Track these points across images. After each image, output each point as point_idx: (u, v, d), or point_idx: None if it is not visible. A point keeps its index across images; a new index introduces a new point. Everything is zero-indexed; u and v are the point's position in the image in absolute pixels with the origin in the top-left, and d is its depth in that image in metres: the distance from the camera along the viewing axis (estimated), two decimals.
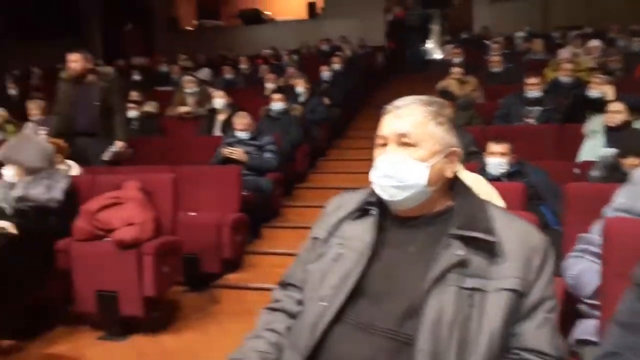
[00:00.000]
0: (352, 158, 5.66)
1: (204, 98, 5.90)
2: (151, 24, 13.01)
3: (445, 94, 4.26)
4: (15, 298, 2.53)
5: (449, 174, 1.09)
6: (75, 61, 4.10)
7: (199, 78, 6.72)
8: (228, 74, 7.99)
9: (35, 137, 3.26)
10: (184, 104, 5.94)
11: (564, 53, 6.58)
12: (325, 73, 6.79)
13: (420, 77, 7.98)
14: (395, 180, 1.05)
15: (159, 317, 2.84)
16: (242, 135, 4.36)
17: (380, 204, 1.11)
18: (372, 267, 1.05)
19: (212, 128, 5.33)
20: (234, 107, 5.24)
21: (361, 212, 1.13)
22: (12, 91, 7.42)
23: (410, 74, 8.90)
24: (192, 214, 3.52)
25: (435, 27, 11.36)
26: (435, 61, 10.07)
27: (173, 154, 4.73)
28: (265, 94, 6.28)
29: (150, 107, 6.14)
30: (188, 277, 3.29)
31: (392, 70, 9.52)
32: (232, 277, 3.44)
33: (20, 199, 2.75)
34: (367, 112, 7.31)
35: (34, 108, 5.08)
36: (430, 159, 1.05)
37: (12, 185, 2.81)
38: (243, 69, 8.56)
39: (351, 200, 1.17)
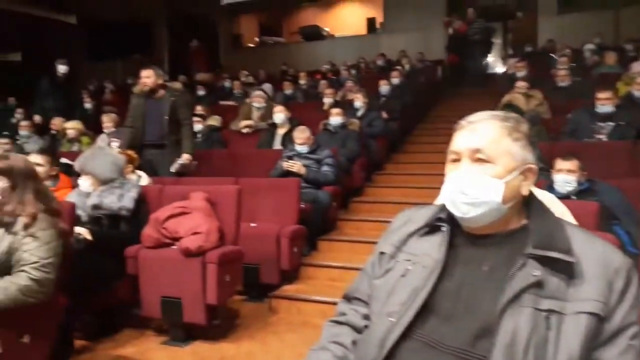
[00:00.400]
0: (409, 172, 5.61)
1: (268, 113, 6.04)
2: (215, 41, 13.55)
3: (511, 108, 4.15)
4: (88, 301, 2.67)
5: (524, 191, 1.06)
6: (147, 77, 4.32)
7: (267, 93, 6.87)
8: (288, 89, 8.15)
9: (108, 149, 3.44)
10: (248, 117, 6.09)
11: (638, 66, 6.23)
12: (384, 87, 6.79)
13: (482, 92, 7.81)
14: (469, 197, 1.03)
15: (220, 325, 2.90)
16: (302, 149, 4.42)
17: (451, 220, 1.09)
18: (442, 284, 1.03)
19: (272, 141, 5.45)
20: (293, 121, 5.34)
21: (430, 228, 1.12)
22: (88, 105, 7.90)
23: (471, 89, 8.72)
24: (252, 224, 3.60)
25: (497, 41, 11.10)
26: (497, 75, 9.83)
27: (234, 166, 4.86)
28: (324, 108, 6.36)
29: (213, 120, 6.36)
30: (247, 287, 3.36)
31: (452, 84, 9.39)
32: (289, 289, 3.46)
33: (95, 207, 2.91)
34: (426, 127, 7.24)
35: (108, 121, 5.40)
36: (506, 175, 1.03)
37: (87, 194, 2.98)
38: (302, 84, 8.71)
39: (419, 216, 1.16)
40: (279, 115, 5.36)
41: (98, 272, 2.73)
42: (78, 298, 2.51)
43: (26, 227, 2.03)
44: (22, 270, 1.96)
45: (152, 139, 4.29)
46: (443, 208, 1.11)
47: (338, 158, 4.59)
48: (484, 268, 1.02)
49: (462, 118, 1.11)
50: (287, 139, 5.13)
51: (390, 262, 1.13)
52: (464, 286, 1.01)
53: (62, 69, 6.70)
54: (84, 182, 3.01)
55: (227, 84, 9.25)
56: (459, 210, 1.05)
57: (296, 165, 4.23)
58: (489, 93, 6.87)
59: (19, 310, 1.93)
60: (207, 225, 2.81)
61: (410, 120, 7.08)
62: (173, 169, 4.18)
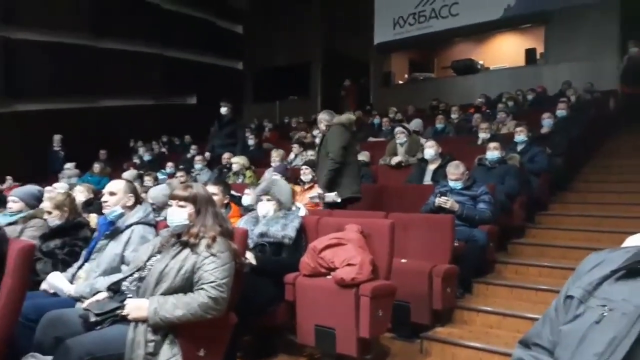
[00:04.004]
0: (578, 214, 5.07)
1: (413, 147, 6.02)
2: (367, 80, 14.01)
3: None
4: (250, 322, 2.84)
5: None
6: (321, 121, 4.69)
7: (408, 128, 6.91)
8: (439, 124, 8.03)
9: (283, 180, 3.73)
10: (395, 153, 6.15)
11: None
12: (547, 120, 6.30)
13: None
14: None
15: (371, 359, 2.87)
16: (455, 184, 4.27)
17: None
18: None
19: (423, 177, 5.37)
20: (445, 156, 5.21)
21: (629, 271, 0.99)
22: (250, 141, 8.68)
23: None
24: (403, 260, 3.53)
25: None
26: None
27: (385, 201, 4.88)
28: (478, 143, 6.11)
29: (363, 156, 6.52)
30: (396, 325, 3.28)
31: (627, 117, 8.36)
32: (442, 331, 3.31)
33: (261, 235, 3.13)
34: (597, 164, 6.51)
35: (276, 155, 5.86)
36: None
37: (255, 222, 3.23)
38: (454, 118, 8.51)
39: (614, 258, 1.04)
40: (429, 151, 5.26)
41: (261, 296, 2.90)
42: (242, 318, 2.69)
43: (207, 247, 2.24)
44: (202, 289, 2.15)
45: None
46: None
47: (495, 195, 4.34)
48: None
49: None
50: (439, 174, 5.01)
51: (580, 307, 1.02)
52: None
53: (224, 110, 7.47)
54: (264, 206, 3.26)
55: (376, 120, 9.43)
56: None
57: (449, 202, 4.09)
58: None
59: (197, 326, 2.11)
60: (360, 257, 2.84)
61: (578, 156, 6.45)
62: (314, 200, 4.38)
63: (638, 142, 6.27)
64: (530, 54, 11.96)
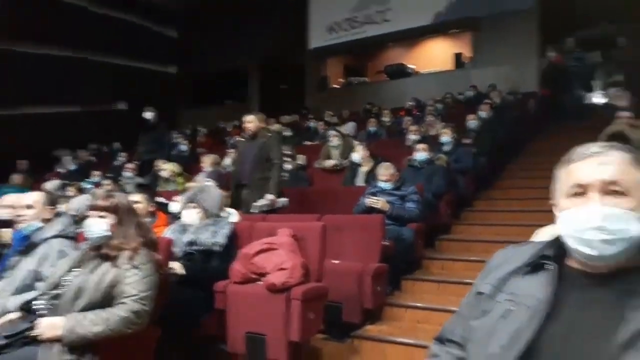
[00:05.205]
0: (502, 209, 5.33)
1: (347, 150, 6.13)
2: (303, 84, 14.09)
3: (620, 138, 3.84)
4: (178, 334, 2.77)
5: None
6: (249, 122, 4.59)
7: (341, 132, 7.03)
8: (371, 127, 8.22)
9: (213, 186, 3.65)
10: (329, 156, 6.24)
11: None
12: (472, 122, 6.60)
13: (580, 125, 7.33)
14: (607, 233, 0.94)
15: None
16: (386, 185, 4.38)
17: (557, 258, 1.02)
18: (547, 327, 0.95)
19: (355, 178, 5.48)
20: (376, 158, 5.34)
21: (533, 266, 1.05)
22: (183, 147, 8.48)
23: (568, 122, 8.23)
24: (335, 261, 3.58)
25: (597, 71, 10.43)
26: (596, 107, 9.19)
27: (319, 203, 4.93)
28: (407, 144, 6.31)
29: (300, 160, 6.56)
30: (328, 326, 3.32)
31: (546, 118, 8.91)
32: (372, 329, 3.37)
33: (190, 243, 3.06)
34: (518, 162, 6.89)
35: (207, 161, 5.75)
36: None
37: (183, 230, 3.15)
38: (386, 121, 8.73)
39: (520, 253, 1.09)
40: (355, 155, 5.46)
41: (189, 306, 2.84)
42: (169, 331, 2.62)
43: (129, 259, 2.17)
44: (123, 303, 2.08)
45: (245, 179, 4.50)
46: (548, 245, 1.05)
47: (423, 194, 4.49)
48: (596, 310, 0.93)
49: (559, 152, 1.05)
50: (371, 175, 5.13)
51: (489, 303, 1.07)
52: (573, 330, 0.93)
53: (148, 115, 7.27)
54: (191, 214, 3.18)
55: (312, 124, 9.51)
56: (594, 249, 0.95)
57: (379, 202, 4.19)
58: (587, 126, 6.43)
59: (118, 341, 2.04)
60: (292, 261, 2.84)
61: (502, 155, 6.80)
62: (255, 209, 4.32)
63: (556, 140, 6.67)
64: (458, 58, 12.47)
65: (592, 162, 0.99)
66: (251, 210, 4.32)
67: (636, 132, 4.97)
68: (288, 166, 5.83)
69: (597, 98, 9.86)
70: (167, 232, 3.19)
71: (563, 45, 9.36)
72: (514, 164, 6.86)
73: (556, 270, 1.00)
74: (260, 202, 4.33)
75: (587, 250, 0.96)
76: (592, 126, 5.69)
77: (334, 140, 6.33)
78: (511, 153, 7.12)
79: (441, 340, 1.17)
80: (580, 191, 0.99)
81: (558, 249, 1.04)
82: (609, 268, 0.96)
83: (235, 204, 4.31)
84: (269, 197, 4.37)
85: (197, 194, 3.23)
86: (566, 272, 1.00)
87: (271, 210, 4.36)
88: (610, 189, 0.96)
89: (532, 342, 0.94)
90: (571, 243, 0.99)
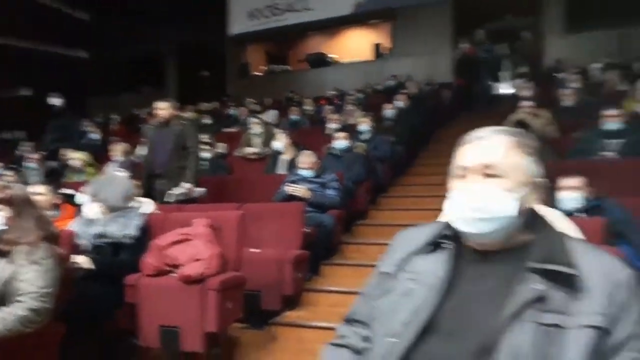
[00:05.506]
0: (414, 195, 5.54)
1: (268, 138, 6.09)
2: (223, 71, 13.77)
3: (521, 126, 4.13)
4: (87, 330, 2.63)
5: (532, 205, 1.04)
6: (162, 109, 4.39)
7: (263, 120, 6.97)
8: (293, 115, 8.22)
9: (120, 177, 3.45)
10: (250, 144, 6.16)
11: None
12: (388, 111, 6.79)
13: (490, 113, 7.78)
14: (483, 212, 1.00)
15: (219, 353, 2.84)
16: (306, 173, 4.41)
17: (455, 237, 1.07)
18: (445, 303, 1.00)
19: (276, 167, 5.46)
20: (298, 146, 5.35)
21: (433, 246, 1.10)
22: (95, 136, 8.00)
23: (478, 111, 8.70)
24: (256, 250, 3.56)
25: (505, 62, 11.12)
26: (504, 96, 9.81)
27: (240, 192, 4.86)
28: (327, 133, 6.38)
29: (220, 148, 6.42)
30: (248, 314, 3.29)
31: (459, 107, 9.37)
32: (291, 315, 3.39)
33: (98, 236, 2.90)
34: (433, 149, 7.19)
35: (116, 150, 5.45)
36: (518, 190, 1.01)
37: (90, 223, 2.98)
38: (307, 110, 8.77)
39: (421, 234, 1.14)
40: (276, 143, 5.45)
41: (98, 301, 2.70)
42: (77, 327, 2.48)
43: (27, 255, 2.03)
44: (20, 300, 1.95)
45: (160, 169, 4.33)
46: (446, 225, 1.09)
47: (343, 182, 4.57)
48: (487, 285, 1.00)
49: None
50: (292, 163, 5.13)
51: (391, 282, 1.10)
52: (467, 304, 0.99)
53: (54, 101, 6.80)
54: (92, 209, 3.01)
55: (232, 111, 9.33)
56: (473, 227, 1.02)
57: (300, 190, 4.21)
58: (496, 114, 6.84)
59: (16, 341, 1.91)
60: (208, 251, 2.78)
61: (417, 143, 7.05)
62: (171, 198, 4.18)
63: (465, 128, 6.98)
64: (377, 49, 12.76)
65: (475, 147, 1.06)
66: (166, 200, 4.17)
67: (537, 120, 5.39)
68: (207, 154, 5.68)
69: (505, 88, 10.54)
70: (73, 225, 2.99)
71: (474, 37, 9.86)
72: (426, 151, 7.14)
73: (453, 248, 1.06)
74: (177, 191, 4.19)
75: (467, 229, 1.03)
76: (500, 114, 6.09)
77: (256, 128, 6.26)
78: (426, 141, 7.41)
79: (349, 321, 1.20)
80: (463, 173, 1.05)
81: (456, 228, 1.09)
82: (495, 245, 1.03)
83: (149, 194, 4.13)
84: (186, 186, 4.24)
85: (98, 187, 3.04)
86: (463, 250, 1.06)
87: (188, 200, 4.24)
88: (488, 172, 1.02)
89: (431, 318, 0.99)
90: (455, 222, 1.05)
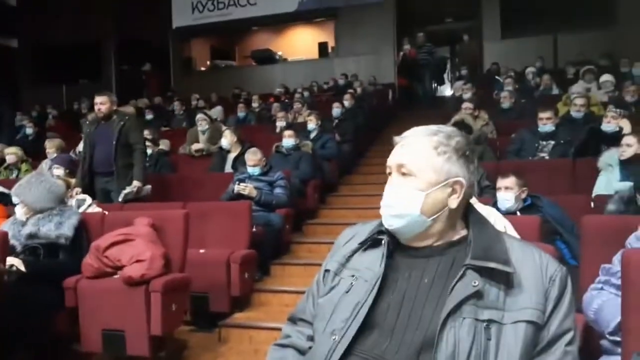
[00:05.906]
0: (362, 193, 5.63)
1: (215, 135, 5.97)
2: (167, 65, 13.36)
3: (462, 126, 4.28)
4: (23, 336, 2.49)
5: (452, 204, 1.06)
6: (102, 103, 4.20)
7: (210, 116, 6.83)
8: (241, 112, 8.11)
9: (46, 176, 3.25)
10: (196, 141, 6.02)
11: (576, 88, 6.58)
12: (336, 110, 6.85)
13: (431, 114, 8.00)
14: (393, 209, 1.06)
15: (166, 357, 2.76)
16: (253, 171, 4.37)
17: (392, 234, 1.10)
18: (384, 298, 1.02)
19: (224, 165, 5.37)
20: (245, 144, 5.29)
21: (372, 242, 1.12)
22: (29, 131, 7.56)
23: (420, 111, 8.95)
24: (201, 250, 3.48)
25: (445, 64, 11.49)
26: (445, 98, 10.14)
27: (185, 191, 4.75)
28: (277, 131, 6.35)
29: (163, 145, 6.23)
30: (196, 316, 3.23)
31: (403, 107, 9.60)
32: (240, 316, 3.35)
33: (31, 236, 2.74)
34: (378, 148, 7.32)
35: (50, 147, 5.17)
36: (428, 188, 1.05)
37: (23, 223, 2.81)
38: (255, 107, 8.69)
39: (363, 231, 1.16)
40: (223, 140, 5.37)
41: (33, 306, 2.55)
42: (11, 334, 2.34)
43: None
44: None
45: (102, 166, 4.15)
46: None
47: (291, 180, 4.56)
48: (424, 280, 1.02)
49: None
50: (239, 161, 5.06)
51: (335, 279, 1.12)
52: (406, 299, 1.01)
53: None
54: (19, 210, 2.85)
55: (176, 107, 9.07)
56: (387, 223, 1.08)
57: (247, 188, 4.16)
58: (438, 115, 7.07)
59: None
60: (150, 252, 2.69)
61: (363, 142, 7.17)
62: (121, 198, 4.02)
63: (410, 127, 7.18)
64: (322, 47, 12.81)
65: (397, 147, 1.11)
66: (120, 199, 4.01)
67: (476, 121, 5.61)
68: (149, 151, 5.50)
69: (446, 89, 10.90)
70: (5, 225, 2.81)
71: (416, 40, 10.11)
72: (373, 151, 7.27)
73: (387, 243, 1.08)
74: (128, 190, 4.03)
75: (386, 225, 1.08)
76: (441, 115, 6.29)
77: (203, 124, 6.11)
78: (371, 140, 7.53)
79: (293, 320, 1.20)
80: (389, 172, 1.11)
81: None
82: (421, 241, 1.07)
83: (88, 192, 3.95)
84: (136, 184, 4.09)
85: (20, 190, 2.86)
86: (399, 246, 1.09)
87: (135, 199, 4.09)
88: (402, 171, 1.07)
89: (370, 314, 1.01)
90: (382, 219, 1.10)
